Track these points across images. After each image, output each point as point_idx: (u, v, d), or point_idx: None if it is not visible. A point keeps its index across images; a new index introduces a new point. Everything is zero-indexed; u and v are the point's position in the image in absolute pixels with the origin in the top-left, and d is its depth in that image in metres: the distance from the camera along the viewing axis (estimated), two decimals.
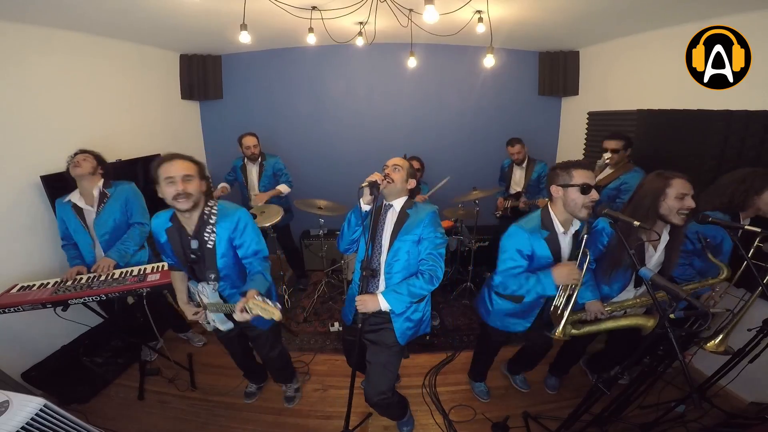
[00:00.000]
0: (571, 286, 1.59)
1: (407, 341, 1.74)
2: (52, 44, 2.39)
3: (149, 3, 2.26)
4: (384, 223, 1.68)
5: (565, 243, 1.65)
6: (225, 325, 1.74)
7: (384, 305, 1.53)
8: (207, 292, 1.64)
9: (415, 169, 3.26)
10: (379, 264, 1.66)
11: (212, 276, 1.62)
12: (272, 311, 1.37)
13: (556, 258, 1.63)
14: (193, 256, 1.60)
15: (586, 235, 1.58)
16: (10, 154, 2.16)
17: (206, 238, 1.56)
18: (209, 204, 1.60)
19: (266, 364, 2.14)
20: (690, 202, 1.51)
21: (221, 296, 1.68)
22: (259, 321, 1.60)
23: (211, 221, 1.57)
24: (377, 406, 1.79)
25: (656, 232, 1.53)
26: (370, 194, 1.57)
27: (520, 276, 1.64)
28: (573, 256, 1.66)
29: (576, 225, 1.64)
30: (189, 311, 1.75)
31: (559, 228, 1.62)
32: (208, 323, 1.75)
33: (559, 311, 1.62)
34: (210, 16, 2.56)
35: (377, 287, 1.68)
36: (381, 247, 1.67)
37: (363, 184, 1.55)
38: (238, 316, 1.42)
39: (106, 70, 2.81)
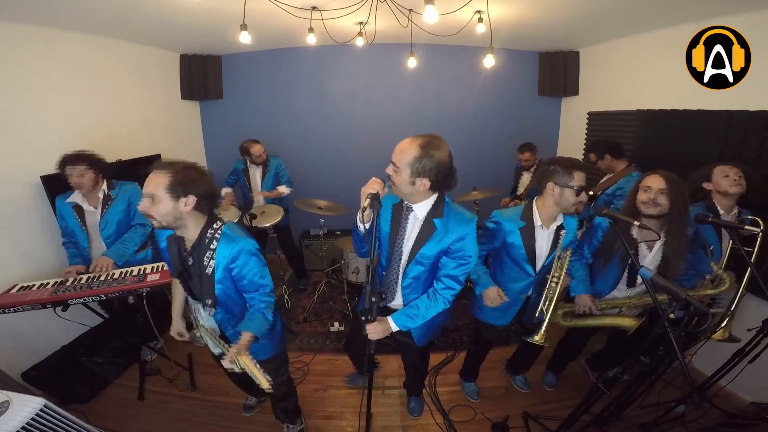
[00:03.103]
0: (551, 287, 1.64)
1: (428, 341, 1.73)
2: (53, 45, 2.39)
3: (149, 3, 2.26)
4: (405, 230, 1.43)
5: (543, 237, 1.67)
6: (216, 350, 1.59)
7: (395, 328, 1.45)
8: (202, 315, 1.52)
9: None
10: (398, 274, 1.51)
11: (208, 301, 1.43)
12: (261, 380, 1.30)
13: (530, 250, 1.67)
14: (186, 273, 1.41)
15: (563, 231, 1.62)
16: (10, 154, 2.15)
17: (205, 263, 1.36)
18: (214, 226, 1.37)
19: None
20: (650, 194, 1.57)
21: (216, 322, 1.52)
22: (258, 350, 1.50)
23: (212, 246, 1.35)
24: (417, 373, 2.06)
25: (656, 231, 1.53)
26: (371, 207, 1.24)
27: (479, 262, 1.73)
28: (549, 250, 1.70)
29: (558, 221, 1.65)
30: (177, 327, 1.62)
31: (537, 221, 1.64)
32: (200, 337, 1.62)
33: (543, 315, 1.66)
34: (210, 16, 2.56)
35: (393, 299, 1.59)
36: (401, 255, 1.47)
37: (365, 203, 1.23)
38: (227, 365, 1.32)
39: (106, 71, 2.81)
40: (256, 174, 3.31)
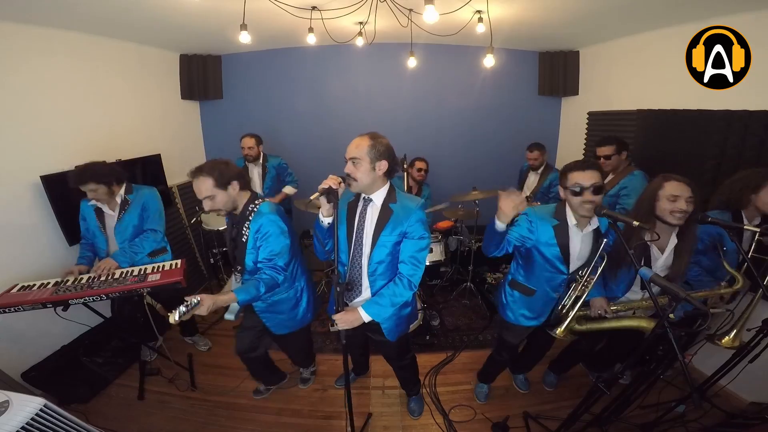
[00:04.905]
0: (582, 287, 1.61)
1: (399, 336, 1.71)
2: (52, 45, 2.39)
3: (149, 3, 2.26)
4: (364, 219, 1.52)
5: (577, 238, 1.64)
6: (228, 315, 1.74)
7: (366, 318, 1.49)
8: (233, 280, 1.82)
9: (422, 169, 3.26)
10: (361, 266, 1.56)
11: (239, 268, 1.74)
12: (172, 314, 1.30)
13: (564, 250, 1.62)
14: (233, 241, 1.73)
15: (606, 239, 1.56)
16: (10, 154, 2.15)
17: (243, 231, 1.66)
18: (255, 201, 1.68)
19: (289, 350, 2.21)
20: (681, 205, 1.50)
21: None
22: (276, 325, 1.84)
23: (250, 218, 1.65)
24: (402, 369, 2.01)
25: (656, 232, 1.52)
26: (328, 202, 1.40)
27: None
28: (589, 254, 1.65)
29: (594, 224, 1.62)
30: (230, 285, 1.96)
31: (571, 221, 1.61)
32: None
33: (565, 311, 1.65)
34: (210, 16, 2.56)
35: (360, 294, 1.62)
36: (362, 246, 1.53)
37: (312, 196, 1.36)
38: (184, 305, 1.34)
39: (106, 71, 2.81)
40: (254, 173, 3.32)
